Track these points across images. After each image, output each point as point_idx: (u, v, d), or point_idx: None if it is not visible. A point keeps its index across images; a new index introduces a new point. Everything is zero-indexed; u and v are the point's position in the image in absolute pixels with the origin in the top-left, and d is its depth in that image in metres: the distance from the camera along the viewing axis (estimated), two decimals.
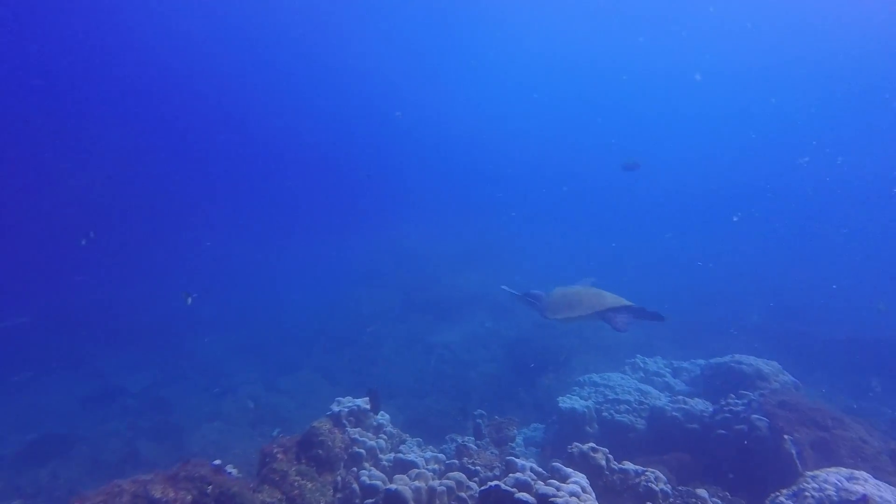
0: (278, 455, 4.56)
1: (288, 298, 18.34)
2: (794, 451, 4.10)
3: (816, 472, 3.36)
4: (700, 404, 5.73)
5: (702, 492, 3.44)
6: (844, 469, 3.35)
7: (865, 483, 3.14)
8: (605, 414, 6.45)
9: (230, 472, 4.96)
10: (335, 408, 5.34)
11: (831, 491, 3.17)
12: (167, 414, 10.71)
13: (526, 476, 3.75)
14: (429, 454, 4.95)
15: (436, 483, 4.05)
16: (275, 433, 9.16)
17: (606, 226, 25.40)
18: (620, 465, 3.90)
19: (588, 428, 6.42)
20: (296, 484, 4.25)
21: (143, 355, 15.23)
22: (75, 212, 25.51)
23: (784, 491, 3.42)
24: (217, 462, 4.79)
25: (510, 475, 3.79)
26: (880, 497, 3.00)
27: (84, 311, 18.67)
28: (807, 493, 3.24)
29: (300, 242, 26.21)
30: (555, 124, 41.18)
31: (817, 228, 22.78)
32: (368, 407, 5.39)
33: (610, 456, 3.99)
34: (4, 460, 8.97)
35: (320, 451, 4.61)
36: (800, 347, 10.08)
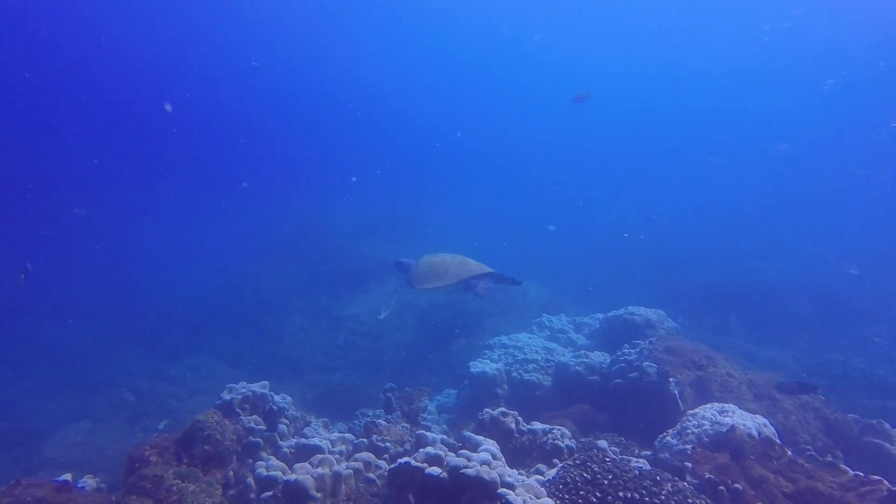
0: (151, 458, 3.89)
1: (176, 278, 16.25)
2: (676, 392, 4.51)
3: (696, 410, 3.68)
4: (599, 356, 6.11)
5: (602, 442, 3.59)
6: (717, 404, 3.71)
7: (733, 414, 3.50)
8: (514, 374, 6.63)
9: (84, 486, 4.17)
10: (226, 395, 4.71)
11: (707, 426, 3.48)
12: (13, 419, 8.92)
13: (437, 449, 3.59)
14: (335, 435, 4.62)
15: (341, 467, 3.75)
16: (161, 426, 8.10)
17: (516, 197, 26.24)
18: (529, 426, 3.94)
19: (499, 390, 6.55)
20: (174, 488, 3.64)
21: None
22: None
23: (670, 431, 3.70)
24: (65, 477, 3.97)
25: (420, 450, 3.62)
26: (743, 424, 3.36)
27: None
28: (688, 431, 3.52)
29: (189, 215, 23.23)
30: (471, 97, 40.77)
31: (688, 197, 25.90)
32: (266, 391, 4.85)
33: (519, 419, 4.01)
34: None
35: (206, 447, 4.03)
36: (672, 293, 11.40)
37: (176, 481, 3.72)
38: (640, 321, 6.51)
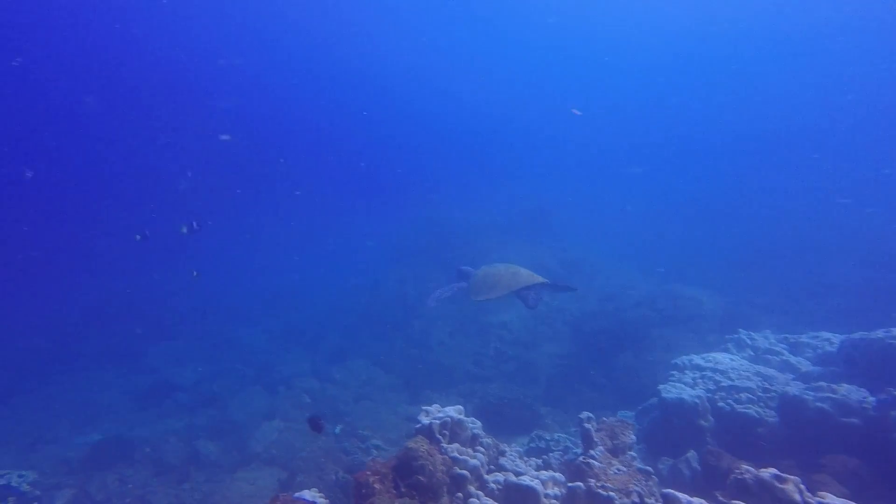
0: (374, 485, 3.91)
1: (324, 282, 17.84)
2: None
3: None
4: (854, 392, 4.79)
5: None
6: None
7: None
8: (721, 405, 5.60)
9: (315, 502, 4.39)
10: (424, 420, 4.63)
11: None
12: (221, 410, 10.43)
13: None
14: (545, 474, 4.22)
15: None
16: (337, 430, 8.72)
17: (678, 199, 23.30)
18: (821, 500, 3.05)
19: (702, 422, 5.60)
20: None
21: (185, 347, 15.09)
22: (111, 207, 25.56)
23: None
24: (307, 496, 4.21)
25: None
26: None
27: (127, 304, 18.72)
28: None
29: (330, 223, 25.57)
30: (597, 93, 38.05)
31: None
32: (462, 416, 4.68)
33: (802, 486, 3.13)
34: (73, 464, 8.83)
35: (421, 478, 3.92)
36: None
37: None
38: None
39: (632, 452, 4.58)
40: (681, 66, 35.55)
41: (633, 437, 4.71)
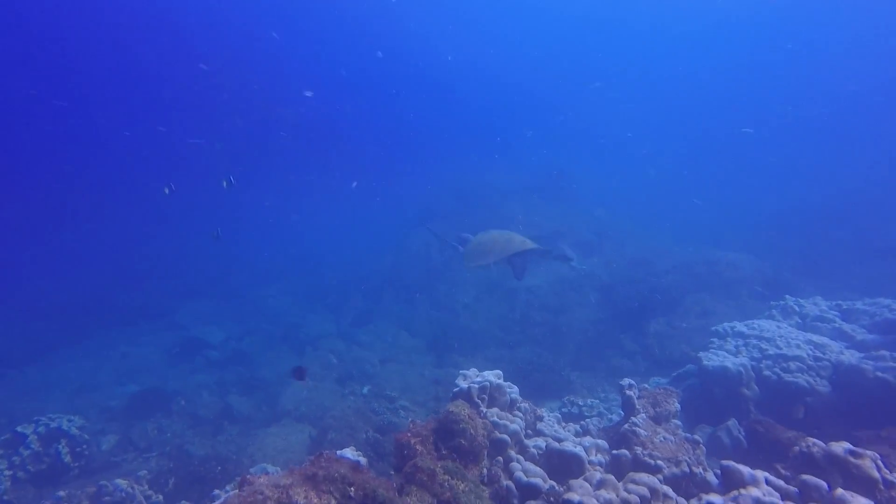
0: (416, 447, 3.86)
1: (348, 245, 17.81)
2: None
3: None
4: None
5: None
6: None
7: None
8: (767, 373, 5.38)
9: (359, 461, 4.41)
10: (462, 384, 4.54)
11: None
12: (250, 368, 10.69)
13: (767, 496, 2.79)
14: (587, 441, 4.12)
15: (624, 491, 3.21)
16: (364, 391, 8.85)
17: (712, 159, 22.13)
18: None
19: (746, 391, 5.40)
20: (446, 485, 3.54)
21: (212, 307, 15.40)
22: (142, 169, 25.86)
23: None
24: (349, 454, 4.22)
25: (742, 492, 2.86)
26: None
27: (156, 264, 19.16)
28: None
29: (356, 187, 25.29)
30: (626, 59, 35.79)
31: None
32: (501, 381, 4.58)
33: (880, 462, 2.93)
34: (115, 412, 9.22)
35: (462, 441, 3.85)
36: None
37: (446, 477, 3.62)
38: None
39: (676, 420, 4.43)
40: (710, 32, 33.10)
41: (678, 405, 4.55)
